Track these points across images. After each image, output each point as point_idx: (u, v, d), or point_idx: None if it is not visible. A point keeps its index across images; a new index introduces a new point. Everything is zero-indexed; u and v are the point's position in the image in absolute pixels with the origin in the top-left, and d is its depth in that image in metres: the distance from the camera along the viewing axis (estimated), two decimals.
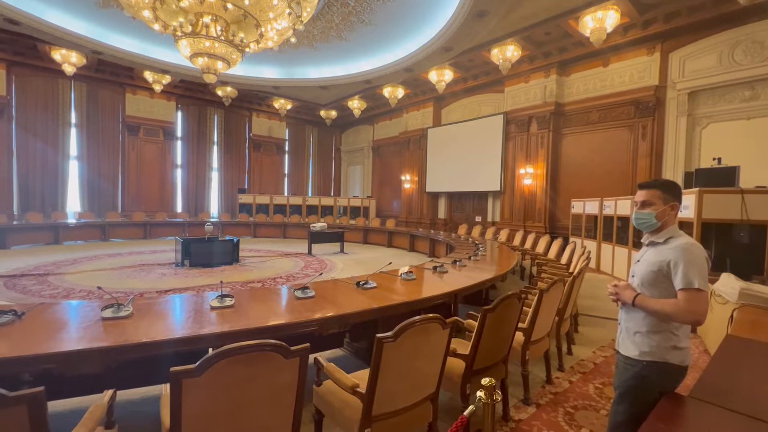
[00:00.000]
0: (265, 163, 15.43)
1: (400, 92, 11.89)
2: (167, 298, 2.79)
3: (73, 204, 11.42)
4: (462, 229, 10.46)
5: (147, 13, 5.89)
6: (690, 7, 6.91)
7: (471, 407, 1.34)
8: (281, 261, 8.31)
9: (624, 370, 1.61)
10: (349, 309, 2.54)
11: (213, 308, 2.38)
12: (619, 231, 7.38)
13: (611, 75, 8.61)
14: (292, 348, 1.35)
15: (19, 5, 7.62)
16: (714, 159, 6.03)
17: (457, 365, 2.18)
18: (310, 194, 16.47)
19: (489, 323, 2.11)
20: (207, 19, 5.98)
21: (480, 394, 1.32)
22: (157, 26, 6.13)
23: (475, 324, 2.20)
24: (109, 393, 1.57)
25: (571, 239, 8.46)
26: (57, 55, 9.51)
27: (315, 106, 14.47)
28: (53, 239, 9.59)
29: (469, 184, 11.60)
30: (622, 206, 7.20)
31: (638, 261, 1.68)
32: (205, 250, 7.28)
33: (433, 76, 10.19)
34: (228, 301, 2.44)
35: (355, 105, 13.29)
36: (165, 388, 1.67)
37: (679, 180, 7.31)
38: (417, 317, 1.69)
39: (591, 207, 8.33)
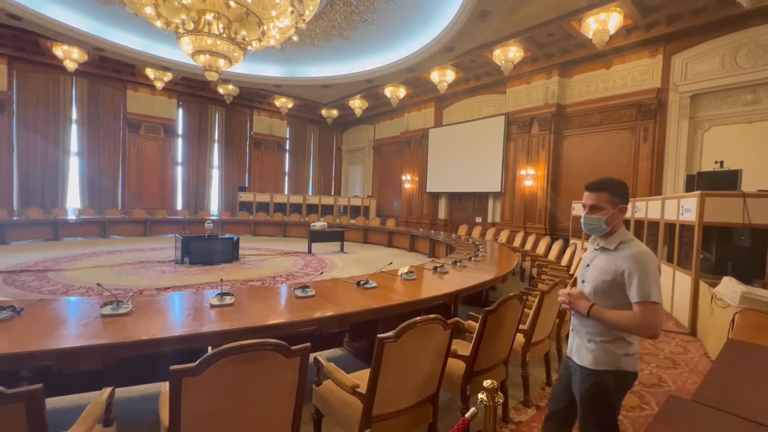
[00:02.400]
0: (266, 161, 15.41)
1: (402, 92, 11.88)
2: (167, 295, 2.78)
3: (73, 200, 11.41)
4: (462, 230, 10.45)
5: (149, 10, 5.88)
6: (693, 10, 6.89)
7: (473, 409, 1.33)
8: (281, 260, 8.30)
9: (582, 381, 1.56)
10: (349, 308, 2.54)
11: (213, 306, 2.37)
12: None
13: (613, 77, 8.59)
14: (292, 347, 1.34)
15: (21, 1, 7.61)
16: (716, 162, 6.02)
17: (457, 366, 2.17)
18: (310, 193, 16.46)
19: (490, 324, 2.10)
20: (209, 16, 5.96)
21: (482, 396, 1.31)
22: (159, 23, 6.12)
23: (476, 325, 2.19)
24: (107, 390, 1.56)
25: (572, 241, 8.45)
26: (59, 51, 9.50)
27: (316, 105, 14.46)
28: (53, 235, 9.58)
29: (470, 185, 11.59)
30: None
31: (588, 266, 1.62)
32: (205, 248, 7.27)
33: (434, 76, 10.18)
34: (228, 300, 2.43)
35: (357, 104, 13.28)
36: (164, 386, 1.66)
37: (681, 183, 7.31)
38: (418, 318, 1.68)
39: None
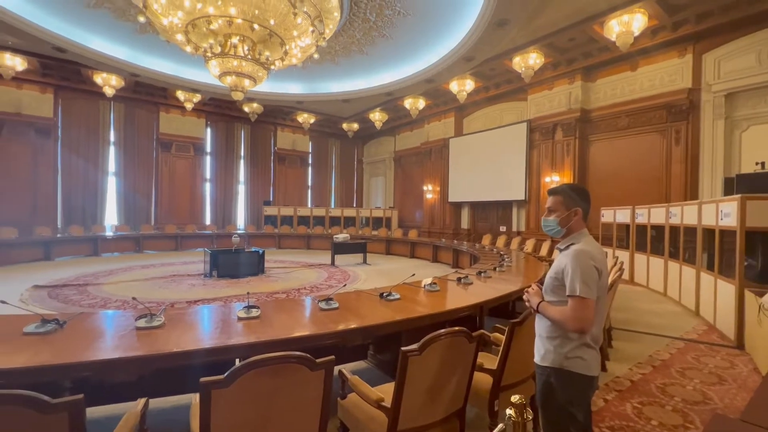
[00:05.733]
0: (290, 175, 15.79)
1: (421, 103, 11.95)
2: (197, 308, 2.87)
3: (111, 217, 12.04)
4: (486, 240, 10.28)
5: (180, 37, 6.23)
6: (723, 7, 6.63)
7: (500, 426, 1.29)
8: (305, 272, 8.41)
9: (538, 379, 1.64)
10: (372, 321, 2.53)
11: (240, 319, 2.42)
12: (653, 240, 7.04)
13: (640, 79, 8.34)
14: (317, 360, 1.35)
15: (67, 34, 8.24)
16: (757, 164, 5.69)
17: (484, 380, 2.11)
18: (333, 206, 16.67)
19: (517, 337, 2.05)
20: (235, 39, 6.26)
21: (510, 411, 1.26)
22: (189, 48, 6.47)
23: (502, 337, 2.14)
24: (142, 401, 1.62)
25: (603, 249, 8.14)
26: (99, 78, 10.18)
27: (337, 119, 14.74)
28: (92, 251, 10.12)
29: (493, 194, 11.43)
30: (656, 214, 6.88)
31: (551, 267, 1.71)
32: (232, 262, 7.47)
33: (454, 86, 10.20)
34: (254, 312, 2.48)
35: (377, 117, 13.45)
36: (195, 398, 1.70)
37: (719, 186, 6.94)
38: (443, 330, 1.66)
39: (622, 215, 8.00)
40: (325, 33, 6.88)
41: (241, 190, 14.73)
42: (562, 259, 1.58)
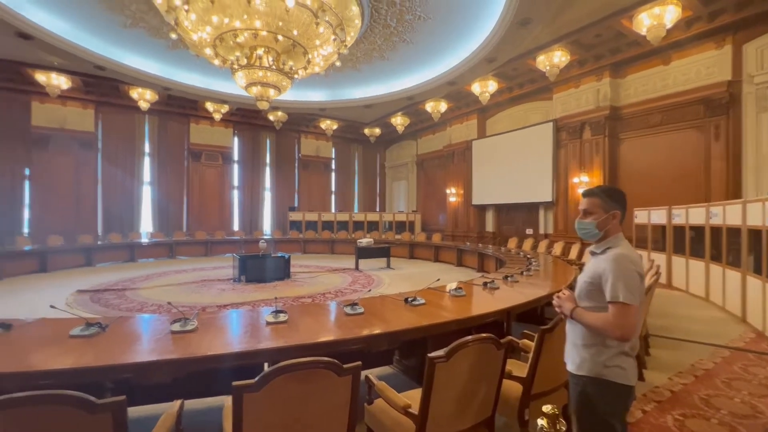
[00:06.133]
0: (313, 181, 16.06)
1: (443, 106, 11.89)
2: (227, 312, 2.95)
3: (146, 225, 12.63)
4: (512, 243, 10.06)
5: (209, 51, 6.50)
6: None
7: None
8: (330, 276, 8.50)
9: (573, 389, 1.57)
10: (398, 326, 2.52)
11: (268, 323, 2.47)
12: (692, 242, 6.67)
13: (674, 73, 7.96)
14: (344, 366, 1.36)
15: (106, 53, 8.76)
16: None
17: (513, 388, 2.06)
18: (356, 210, 16.81)
19: (547, 344, 1.99)
20: (260, 51, 6.45)
21: (542, 422, 1.23)
22: (216, 61, 6.73)
23: (532, 344, 2.08)
24: (177, 403, 1.68)
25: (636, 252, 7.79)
26: (134, 93, 10.75)
27: (359, 125, 14.89)
28: (129, 257, 10.64)
29: (519, 196, 11.18)
30: (695, 215, 6.52)
31: (583, 271, 1.65)
32: (259, 267, 7.66)
33: (476, 87, 10.09)
34: (282, 317, 2.53)
35: (398, 121, 13.48)
36: (227, 400, 1.75)
37: (765, 184, 6.52)
38: (470, 337, 1.64)
39: (657, 216, 7.64)
40: (347, 41, 6.99)
41: (267, 196, 15.11)
42: (599, 264, 1.52)
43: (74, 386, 1.18)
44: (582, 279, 1.58)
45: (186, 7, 5.65)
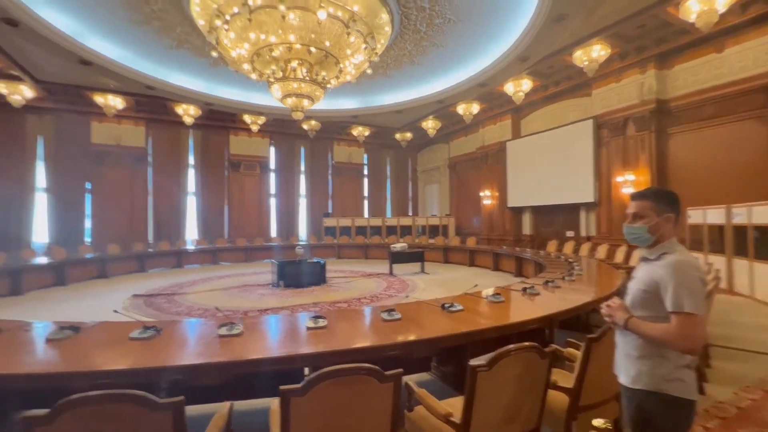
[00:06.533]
0: (346, 187, 16.32)
1: (475, 108, 11.71)
2: (269, 317, 3.06)
3: (191, 233, 13.38)
4: (551, 246, 9.68)
5: (246, 66, 6.83)
6: None
7: None
8: (365, 281, 8.57)
9: (628, 403, 1.48)
10: (436, 333, 2.51)
11: (308, 329, 2.54)
12: (757, 243, 6.11)
13: (728, 61, 7.37)
14: (386, 372, 1.37)
15: (154, 73, 9.43)
16: None
17: (559, 399, 1.98)
18: (388, 215, 16.87)
19: (595, 354, 1.89)
20: (294, 63, 6.69)
21: None
22: (254, 76, 7.05)
23: (577, 353, 2.00)
24: (227, 404, 1.76)
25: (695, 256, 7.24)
26: (180, 109, 11.46)
27: (391, 130, 14.98)
28: (177, 263, 11.29)
29: (558, 197, 10.76)
30: (760, 213, 5.98)
31: (633, 278, 1.56)
32: (296, 272, 7.87)
33: (509, 87, 9.86)
34: (321, 322, 2.58)
35: (430, 125, 13.43)
36: (272, 402, 1.81)
37: None
38: (512, 345, 1.60)
39: (714, 216, 7.07)
40: (377, 48, 7.08)
41: (302, 203, 15.54)
42: (654, 270, 1.42)
43: (132, 385, 1.27)
44: (635, 287, 1.49)
45: (226, 26, 5.97)
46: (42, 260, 8.47)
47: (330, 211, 15.77)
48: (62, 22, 7.12)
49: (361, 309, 3.54)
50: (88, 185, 11.69)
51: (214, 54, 6.95)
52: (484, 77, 9.35)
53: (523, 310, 3.14)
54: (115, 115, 11.14)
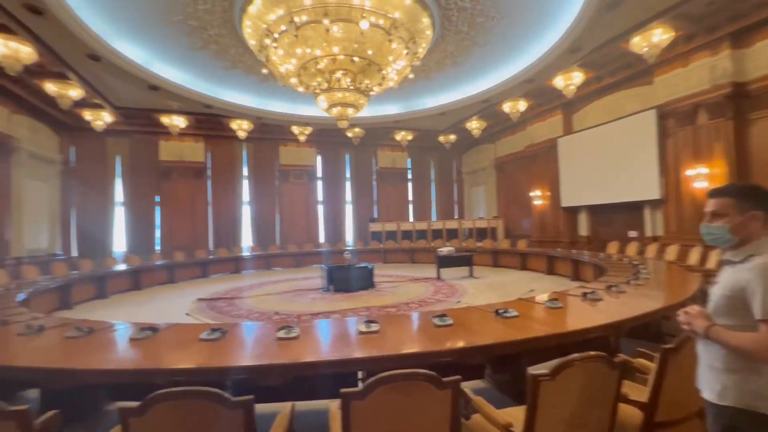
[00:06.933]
0: (391, 192, 16.43)
1: (522, 105, 11.28)
2: (322, 321, 3.17)
3: (246, 240, 14.21)
4: (612, 248, 9.03)
5: (294, 80, 7.15)
6: None
7: None
8: (412, 286, 8.55)
9: (713, 421, 1.34)
10: (489, 339, 2.44)
11: (361, 333, 2.58)
12: None
13: None
14: (443, 379, 1.36)
15: (211, 93, 10.20)
16: None
17: (631, 414, 1.84)
18: (434, 218, 16.71)
19: (672, 366, 1.73)
20: (338, 74, 6.89)
21: None
22: (301, 89, 7.37)
23: (649, 364, 1.84)
24: (289, 405, 1.84)
25: None
26: (234, 124, 12.27)
27: (434, 133, 14.86)
28: (235, 269, 12.04)
29: (617, 195, 10.00)
30: None
31: (716, 283, 1.42)
32: (345, 277, 8.05)
33: (559, 81, 9.37)
34: (374, 327, 2.62)
35: (474, 125, 13.14)
36: (330, 405, 1.87)
37: None
38: (576, 354, 1.52)
39: None
40: (419, 53, 7.09)
41: (348, 209, 15.89)
42: (740, 274, 1.29)
43: (202, 383, 1.37)
44: (718, 292, 1.36)
45: (274, 44, 6.31)
46: (121, 267, 9.44)
47: (375, 216, 15.96)
48: (134, 52, 7.94)
49: (411, 314, 3.54)
50: (156, 198, 12.87)
51: (264, 71, 7.36)
52: (531, 73, 8.99)
53: (583, 317, 2.96)
54: (179, 134, 12.18)
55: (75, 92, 8.88)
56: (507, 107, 11.27)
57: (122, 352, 2.55)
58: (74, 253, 11.59)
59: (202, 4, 6.40)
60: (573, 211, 11.70)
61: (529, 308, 3.22)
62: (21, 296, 4.73)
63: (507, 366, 3.00)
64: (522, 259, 10.62)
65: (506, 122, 13.01)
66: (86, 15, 6.50)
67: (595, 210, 11.10)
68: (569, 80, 9.20)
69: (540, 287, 7.19)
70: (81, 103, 9.74)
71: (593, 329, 2.67)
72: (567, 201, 11.57)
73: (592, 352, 1.53)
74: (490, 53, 8.44)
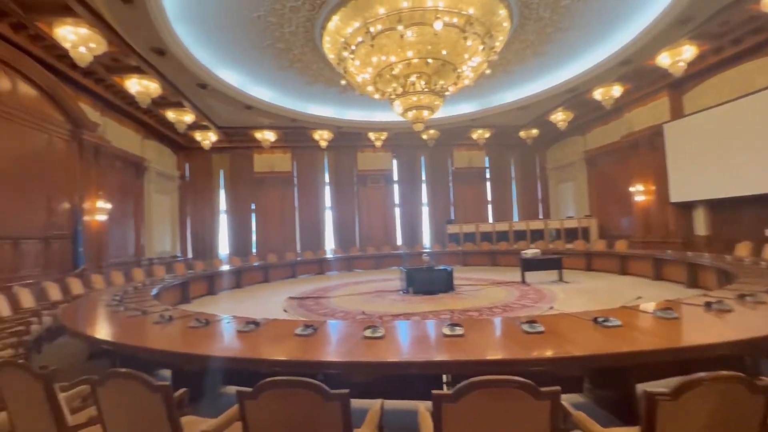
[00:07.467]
0: (468, 192, 15.99)
1: (617, 90, 10.10)
2: (405, 322, 3.21)
3: (329, 243, 15.07)
4: (742, 249, 7.57)
5: (370, 88, 7.39)
6: None
7: None
8: (494, 290, 8.20)
9: None
10: (588, 350, 2.23)
11: (445, 336, 2.55)
12: None
13: None
14: (542, 389, 1.28)
15: (296, 107, 11.09)
16: None
17: None
18: (515, 219, 15.83)
19: None
20: (413, 77, 6.94)
21: None
22: (377, 96, 7.58)
23: None
24: (379, 402, 1.90)
25: None
26: (316, 135, 13.15)
27: (513, 129, 14.10)
28: (319, 270, 12.84)
29: (745, 186, 8.36)
30: None
31: None
32: (425, 279, 8.04)
33: (664, 59, 8.17)
34: (458, 331, 2.57)
35: (560, 117, 12.14)
36: (419, 405, 1.88)
37: None
38: (704, 374, 1.30)
39: None
40: (496, 46, 6.81)
41: (425, 211, 15.87)
42: None
43: (298, 374, 1.48)
44: None
45: (352, 56, 6.62)
46: (225, 268, 10.72)
47: (453, 217, 15.68)
48: (233, 77, 9.01)
49: (497, 318, 3.40)
50: (252, 206, 14.40)
51: (343, 82, 7.75)
52: (627, 53, 8.03)
53: (707, 331, 2.53)
54: (270, 147, 13.45)
55: (189, 117, 10.41)
56: (598, 94, 10.21)
57: (232, 342, 2.89)
58: (189, 255, 13.52)
59: (287, 27, 7.00)
60: (686, 207, 10.09)
61: (634, 317, 2.87)
62: (154, 291, 5.66)
63: (610, 381, 2.71)
64: (621, 262, 9.48)
65: (597, 111, 11.79)
66: (196, 50, 7.57)
67: (715, 205, 9.43)
68: (677, 56, 8.00)
69: (648, 294, 6.33)
70: (192, 126, 11.35)
71: (721, 345, 2.27)
72: (678, 196, 10.01)
73: (727, 372, 1.30)
74: (576, 38, 7.76)
